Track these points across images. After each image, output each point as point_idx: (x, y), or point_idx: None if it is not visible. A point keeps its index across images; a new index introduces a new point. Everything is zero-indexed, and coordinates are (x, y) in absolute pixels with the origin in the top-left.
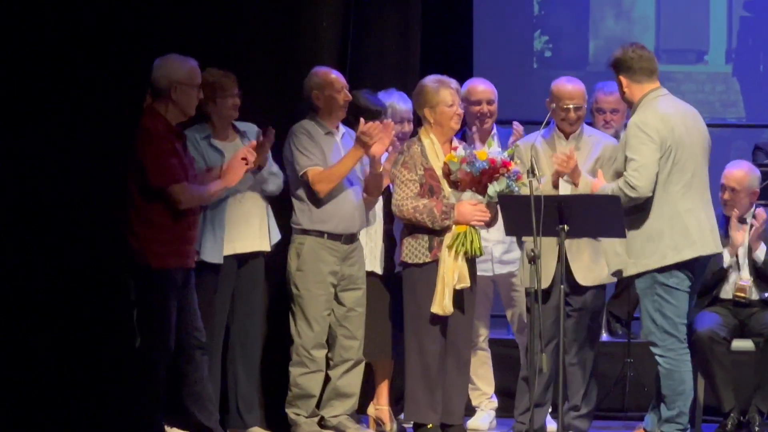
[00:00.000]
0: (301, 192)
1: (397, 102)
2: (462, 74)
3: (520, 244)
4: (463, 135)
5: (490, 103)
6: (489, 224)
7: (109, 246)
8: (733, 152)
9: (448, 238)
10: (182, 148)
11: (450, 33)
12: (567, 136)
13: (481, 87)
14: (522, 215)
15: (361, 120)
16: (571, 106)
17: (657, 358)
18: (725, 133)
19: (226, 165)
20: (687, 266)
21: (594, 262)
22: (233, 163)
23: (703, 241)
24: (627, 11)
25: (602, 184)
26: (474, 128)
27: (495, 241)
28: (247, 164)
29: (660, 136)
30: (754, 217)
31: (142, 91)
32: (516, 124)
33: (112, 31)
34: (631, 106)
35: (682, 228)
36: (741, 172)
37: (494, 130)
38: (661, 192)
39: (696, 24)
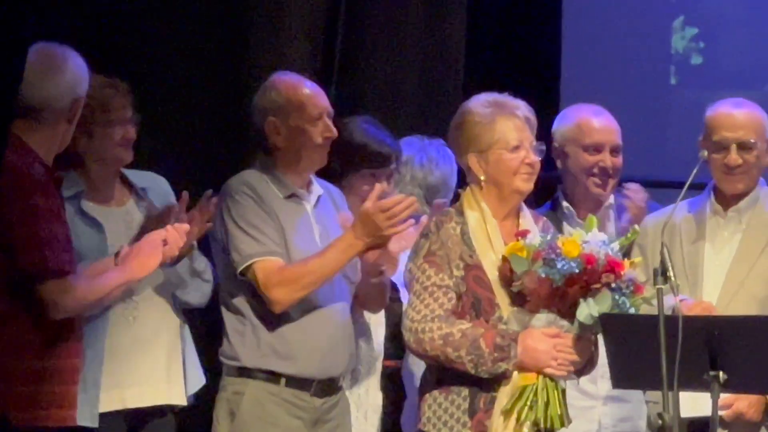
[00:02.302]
0: (240, 302)
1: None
2: (538, 98)
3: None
4: (553, 204)
5: (615, 150)
6: (580, 372)
7: None
8: None
9: (503, 396)
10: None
11: (521, 23)
12: (728, 203)
13: (600, 121)
14: (641, 352)
15: (376, 184)
16: (730, 138)
17: None
18: None
19: (129, 248)
20: None
21: None
22: (144, 246)
23: None
24: None
25: None
26: (581, 194)
27: (600, 397)
28: (166, 249)
29: None
30: None
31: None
32: (633, 188)
33: None
34: None
35: None
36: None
37: (611, 200)
38: None
39: None
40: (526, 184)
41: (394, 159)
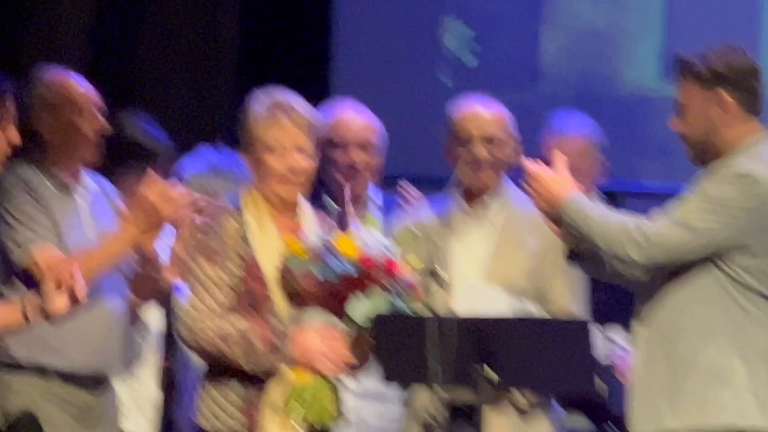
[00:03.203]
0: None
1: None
2: (308, 97)
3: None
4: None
5: (365, 146)
6: (355, 370)
7: None
8: None
9: (276, 393)
10: None
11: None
12: (474, 199)
13: (355, 120)
14: (412, 349)
15: (149, 170)
16: (476, 133)
17: None
18: None
19: None
20: None
21: None
22: None
23: None
24: None
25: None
26: (345, 192)
27: (367, 395)
28: None
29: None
30: None
31: None
32: (407, 187)
33: None
34: (710, 154)
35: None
36: None
37: (373, 196)
38: (740, 300)
39: (738, 17)
40: (284, 188)
41: (165, 154)
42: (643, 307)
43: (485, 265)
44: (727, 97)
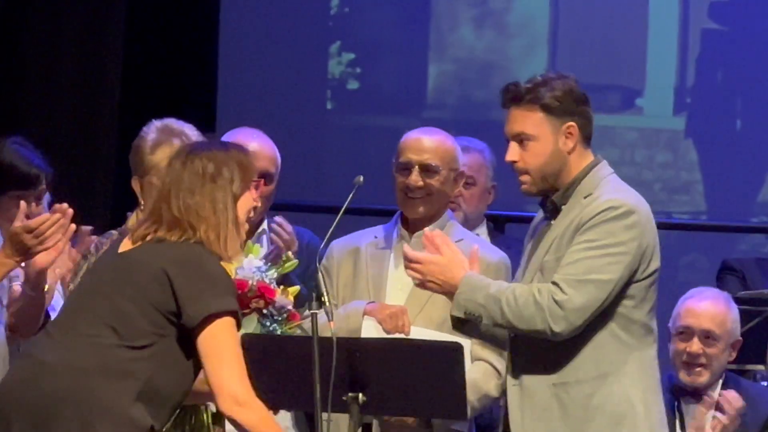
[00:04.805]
0: None
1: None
2: (194, 122)
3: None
4: None
5: (266, 178)
6: None
7: None
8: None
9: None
10: None
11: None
12: (415, 228)
13: (253, 146)
14: (286, 372)
15: (22, 204)
16: (413, 160)
17: None
18: (669, 238)
19: None
20: None
21: None
22: None
23: None
24: (498, 14)
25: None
26: None
27: None
28: None
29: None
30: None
31: None
32: (278, 222)
33: None
34: (551, 183)
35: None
36: (716, 308)
37: (264, 226)
38: (638, 337)
39: (623, 41)
40: None
41: (43, 180)
42: (519, 359)
43: (409, 293)
44: (575, 127)
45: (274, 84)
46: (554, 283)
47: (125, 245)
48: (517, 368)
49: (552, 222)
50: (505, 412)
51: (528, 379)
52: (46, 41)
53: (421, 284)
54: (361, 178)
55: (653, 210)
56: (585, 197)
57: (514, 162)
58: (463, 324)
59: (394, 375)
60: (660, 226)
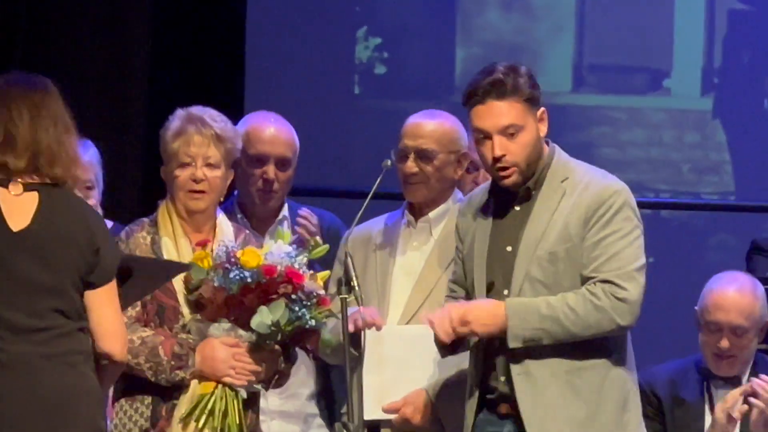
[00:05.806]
0: None
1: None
2: (222, 109)
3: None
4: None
5: (283, 164)
6: (269, 383)
7: None
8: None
9: (183, 404)
10: None
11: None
12: (420, 213)
13: (267, 132)
14: None
15: None
16: (410, 146)
17: None
18: (698, 218)
19: None
20: None
21: None
22: None
23: None
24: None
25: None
26: (251, 206)
27: (269, 412)
28: None
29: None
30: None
31: None
32: (303, 215)
33: None
34: (528, 173)
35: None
36: (743, 299)
37: (285, 212)
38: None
39: (650, 22)
40: (192, 202)
41: None
42: (519, 349)
43: (415, 279)
44: (545, 112)
45: (301, 69)
46: (606, 281)
47: None
48: (519, 357)
49: (517, 208)
50: (503, 397)
51: (537, 368)
52: (72, 32)
53: (472, 333)
54: (389, 162)
55: (682, 191)
56: (562, 181)
57: (503, 156)
58: (455, 348)
59: None
60: (689, 206)
